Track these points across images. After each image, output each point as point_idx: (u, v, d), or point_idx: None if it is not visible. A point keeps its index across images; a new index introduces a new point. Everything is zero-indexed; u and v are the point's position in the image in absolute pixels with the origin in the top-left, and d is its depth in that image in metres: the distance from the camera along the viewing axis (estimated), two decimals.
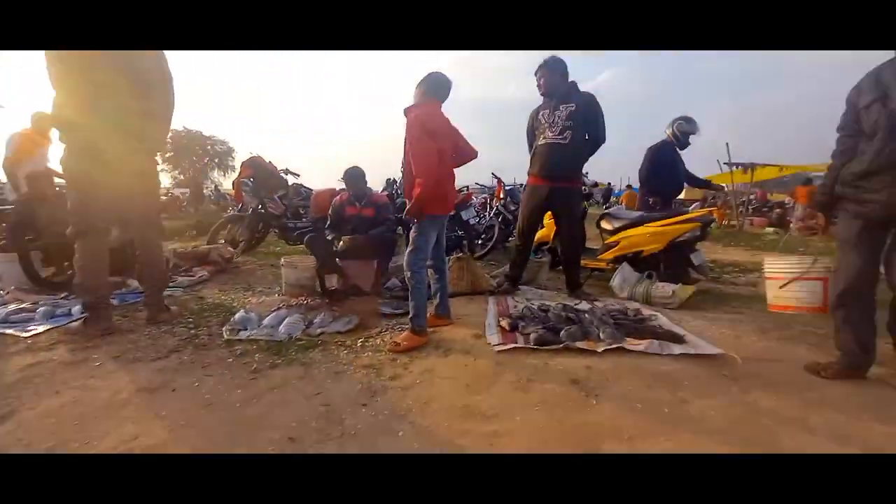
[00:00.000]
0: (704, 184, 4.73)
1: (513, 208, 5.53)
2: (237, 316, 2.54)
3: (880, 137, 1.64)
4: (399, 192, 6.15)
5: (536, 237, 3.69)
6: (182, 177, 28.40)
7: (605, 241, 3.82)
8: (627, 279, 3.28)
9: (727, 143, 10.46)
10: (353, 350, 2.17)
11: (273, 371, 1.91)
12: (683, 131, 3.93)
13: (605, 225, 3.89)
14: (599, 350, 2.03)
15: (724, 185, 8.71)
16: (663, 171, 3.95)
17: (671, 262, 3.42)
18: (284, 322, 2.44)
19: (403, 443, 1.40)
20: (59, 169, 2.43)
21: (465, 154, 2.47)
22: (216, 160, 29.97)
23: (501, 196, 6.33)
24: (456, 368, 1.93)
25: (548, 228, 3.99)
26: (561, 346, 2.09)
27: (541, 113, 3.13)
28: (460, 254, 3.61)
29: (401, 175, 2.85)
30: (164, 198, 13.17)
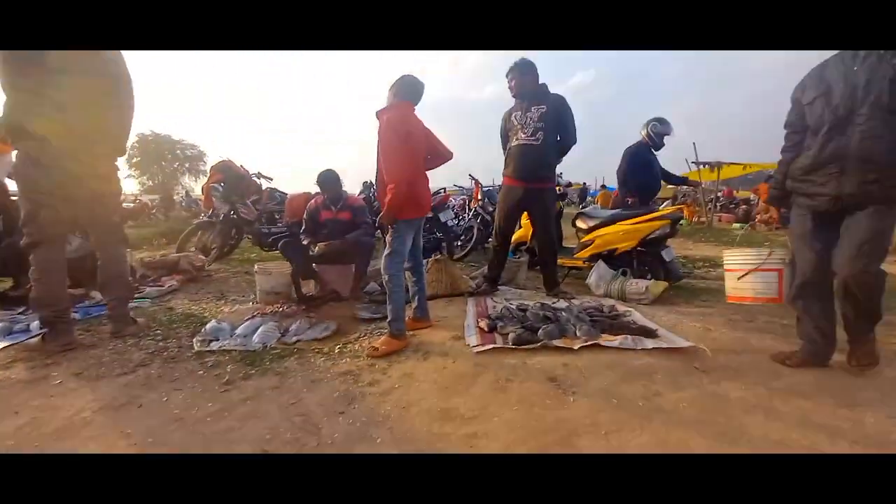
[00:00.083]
0: (682, 181, 4.87)
1: (491, 209, 5.57)
2: (208, 326, 2.46)
3: (824, 132, 1.71)
4: (375, 195, 6.10)
5: (514, 237, 3.72)
6: (151, 182, 27.49)
7: (581, 240, 3.89)
8: (603, 276, 3.35)
9: (694, 143, 10.86)
10: (330, 357, 2.13)
11: (246, 382, 1.86)
12: (658, 132, 4.02)
13: (580, 224, 3.96)
14: (576, 347, 2.06)
15: (699, 181, 9.03)
16: (641, 172, 4.03)
17: (644, 258, 3.52)
18: (259, 331, 2.38)
19: (381, 449, 1.38)
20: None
21: (440, 155, 2.46)
22: (186, 165, 29.10)
23: (479, 197, 6.38)
24: (435, 371, 1.92)
25: (525, 229, 4.02)
26: (539, 344, 2.10)
27: (513, 114, 3.17)
28: (438, 255, 3.61)
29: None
30: (132, 204, 12.70)
